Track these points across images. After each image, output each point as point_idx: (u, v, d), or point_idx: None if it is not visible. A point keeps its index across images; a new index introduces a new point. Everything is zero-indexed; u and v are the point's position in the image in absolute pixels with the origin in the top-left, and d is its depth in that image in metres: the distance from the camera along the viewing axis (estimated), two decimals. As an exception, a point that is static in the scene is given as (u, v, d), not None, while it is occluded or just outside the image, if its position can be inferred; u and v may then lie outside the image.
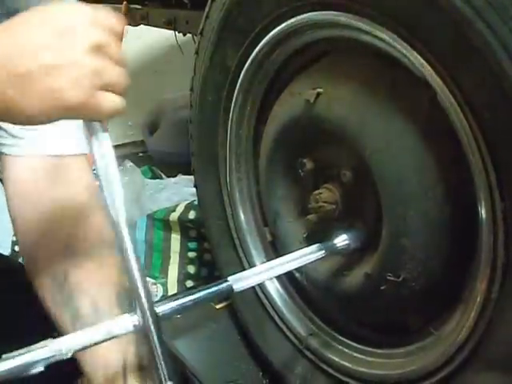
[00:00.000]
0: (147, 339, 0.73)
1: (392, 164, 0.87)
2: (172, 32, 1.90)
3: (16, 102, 0.62)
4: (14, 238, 2.11)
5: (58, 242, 0.86)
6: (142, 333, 0.73)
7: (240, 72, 1.12)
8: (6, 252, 2.04)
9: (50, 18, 0.64)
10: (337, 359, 1.08)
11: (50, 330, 0.86)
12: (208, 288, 0.83)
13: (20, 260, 1.98)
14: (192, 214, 1.62)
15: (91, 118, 0.69)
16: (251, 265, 1.22)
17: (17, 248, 2.08)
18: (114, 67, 0.65)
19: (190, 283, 1.63)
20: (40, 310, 0.87)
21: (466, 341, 0.84)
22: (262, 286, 1.21)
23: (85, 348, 0.71)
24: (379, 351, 1.03)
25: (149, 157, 2.54)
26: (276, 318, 1.19)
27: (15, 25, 0.63)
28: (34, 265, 0.87)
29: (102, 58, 0.64)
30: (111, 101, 0.65)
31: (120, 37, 0.68)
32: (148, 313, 0.71)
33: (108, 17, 0.67)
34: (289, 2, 0.96)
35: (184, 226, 1.65)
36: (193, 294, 0.81)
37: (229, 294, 0.94)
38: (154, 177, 2.22)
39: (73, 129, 0.89)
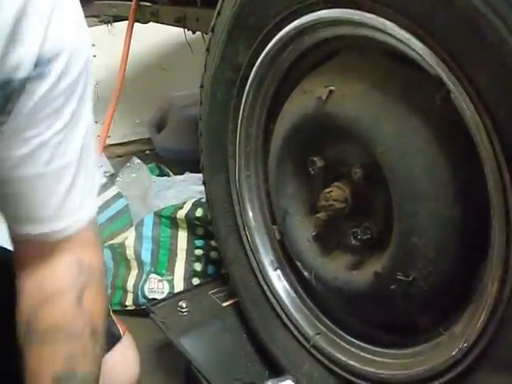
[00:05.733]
0: None
1: (403, 162, 0.87)
2: (180, 29, 1.90)
3: None
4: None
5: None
6: None
7: (251, 69, 1.11)
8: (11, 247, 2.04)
9: None
10: (344, 359, 1.08)
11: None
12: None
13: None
14: (199, 212, 1.62)
15: None
16: (259, 263, 1.21)
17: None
18: None
19: (196, 281, 1.63)
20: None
21: (476, 342, 0.83)
22: (269, 284, 1.20)
23: None
24: (387, 351, 1.03)
25: (156, 154, 2.54)
26: (283, 316, 1.18)
27: None
28: None
29: None
30: None
31: None
32: None
33: None
34: (301, 0, 0.96)
35: (191, 223, 1.65)
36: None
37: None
38: (162, 174, 2.22)
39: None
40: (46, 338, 0.76)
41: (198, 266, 1.64)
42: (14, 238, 0.79)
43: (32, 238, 0.77)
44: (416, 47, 0.81)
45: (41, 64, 0.67)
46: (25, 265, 0.78)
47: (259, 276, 1.22)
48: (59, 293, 0.78)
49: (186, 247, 1.67)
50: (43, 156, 0.73)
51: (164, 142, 2.51)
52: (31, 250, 0.78)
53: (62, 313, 0.77)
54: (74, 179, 0.77)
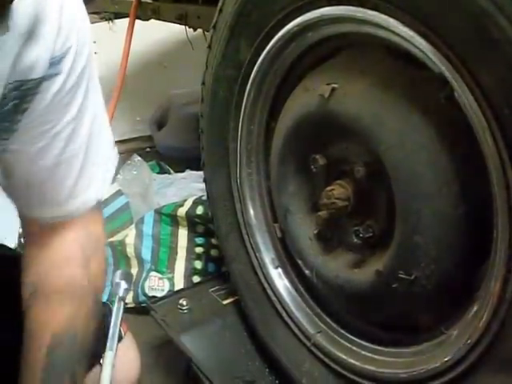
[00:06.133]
0: None
1: (406, 160, 0.87)
2: (182, 27, 1.90)
3: None
4: (21, 230, 2.11)
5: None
6: None
7: (253, 67, 1.11)
8: (13, 244, 2.04)
9: None
10: (345, 357, 1.07)
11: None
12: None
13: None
14: (200, 210, 1.62)
15: None
16: (260, 261, 1.21)
17: (23, 240, 2.08)
18: None
19: (196, 278, 1.62)
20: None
21: (478, 341, 0.83)
22: (270, 282, 1.20)
23: None
24: (388, 350, 1.02)
25: (157, 152, 2.54)
26: (284, 314, 1.18)
27: None
28: None
29: None
30: None
31: None
32: None
33: None
34: (304, -3, 0.95)
35: (192, 221, 1.64)
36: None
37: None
38: (162, 172, 2.21)
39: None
40: (51, 299, 0.79)
41: (198, 264, 1.64)
42: (24, 218, 0.84)
43: (43, 219, 0.81)
44: (420, 45, 0.80)
45: (54, 63, 0.70)
46: (35, 238, 0.82)
47: (260, 274, 1.21)
48: (69, 257, 0.82)
49: (186, 245, 1.66)
50: (56, 147, 0.77)
51: (165, 139, 2.50)
52: (42, 227, 0.81)
53: (71, 276, 0.81)
54: (84, 165, 0.81)
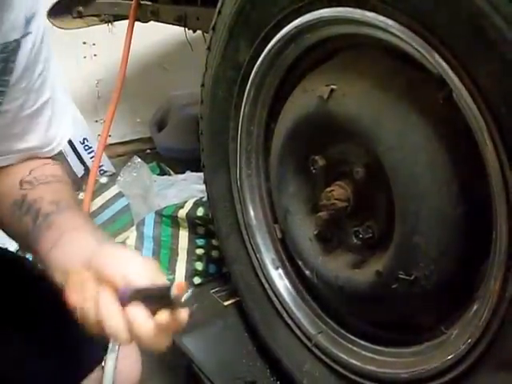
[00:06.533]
0: None
1: (405, 161, 0.87)
2: (181, 28, 1.90)
3: None
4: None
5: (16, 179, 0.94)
6: None
7: (252, 68, 1.11)
8: (13, 248, 2.04)
9: None
10: (346, 357, 1.08)
11: (56, 321, 0.87)
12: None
13: (27, 255, 1.99)
14: (200, 211, 1.62)
15: None
16: (260, 262, 1.21)
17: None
18: None
19: (197, 280, 1.62)
20: (46, 302, 0.88)
21: (478, 341, 0.83)
22: (270, 282, 1.20)
23: None
24: (389, 350, 1.03)
25: (157, 153, 2.54)
26: (285, 315, 1.18)
27: None
28: None
29: None
30: None
31: None
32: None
33: None
34: (303, -2, 0.95)
35: (192, 222, 1.64)
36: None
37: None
38: (163, 173, 2.22)
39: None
40: (37, 184, 0.91)
41: (199, 265, 1.64)
42: None
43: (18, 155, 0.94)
44: (418, 46, 0.80)
45: (27, 22, 0.82)
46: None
47: (260, 275, 1.22)
48: (47, 162, 0.96)
49: (187, 246, 1.66)
50: (31, 98, 0.89)
51: (165, 141, 2.51)
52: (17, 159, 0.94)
53: (53, 170, 0.95)
54: (52, 112, 0.94)
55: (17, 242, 1.02)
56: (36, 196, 0.90)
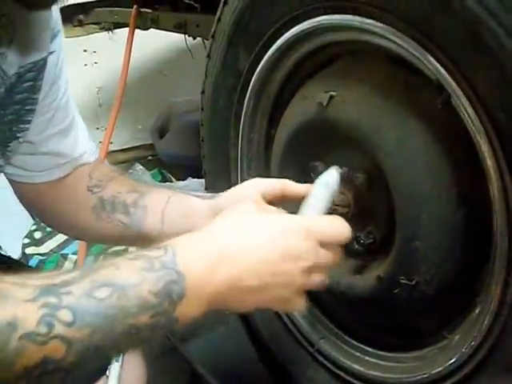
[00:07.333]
0: None
1: (405, 166, 0.87)
2: (181, 36, 1.90)
3: (231, 307, 0.70)
4: (25, 241, 2.12)
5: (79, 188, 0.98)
6: None
7: (252, 75, 1.12)
8: (16, 255, 2.05)
9: (280, 243, 0.71)
10: (348, 363, 1.08)
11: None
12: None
13: (30, 263, 2.00)
14: (202, 217, 1.62)
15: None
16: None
17: (27, 251, 2.09)
18: (319, 280, 0.76)
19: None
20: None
21: (480, 345, 0.83)
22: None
23: None
24: (391, 355, 1.03)
25: (158, 160, 2.55)
26: (287, 321, 1.18)
27: (248, 244, 0.70)
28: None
29: (313, 276, 0.74)
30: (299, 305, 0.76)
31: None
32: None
33: (329, 231, 0.76)
34: (302, 6, 0.96)
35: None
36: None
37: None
38: (164, 180, 2.23)
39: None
40: (105, 184, 0.96)
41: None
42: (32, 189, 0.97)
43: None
44: (416, 52, 0.81)
45: (51, 41, 0.86)
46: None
47: (262, 281, 1.21)
48: (97, 164, 1.01)
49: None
50: (59, 116, 0.93)
51: (166, 147, 2.51)
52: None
53: (107, 168, 1.01)
54: (76, 131, 0.98)
55: (105, 242, 1.11)
56: (112, 193, 0.94)
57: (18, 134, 0.86)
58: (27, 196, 0.99)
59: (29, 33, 0.80)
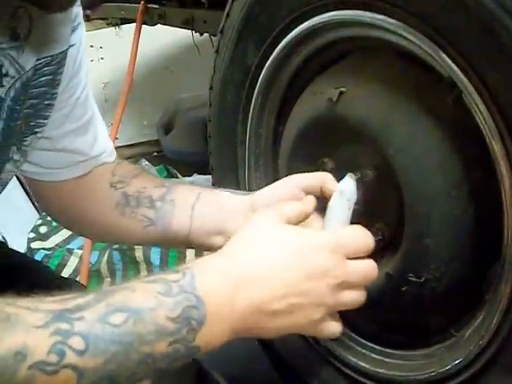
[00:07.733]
0: None
1: (415, 163, 0.87)
2: (188, 32, 1.90)
3: (257, 333, 0.69)
4: (31, 235, 2.13)
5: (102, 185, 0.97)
6: None
7: (260, 71, 1.11)
8: (21, 250, 2.05)
9: (304, 261, 0.68)
10: (355, 360, 1.07)
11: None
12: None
13: (35, 257, 2.00)
14: (208, 214, 1.62)
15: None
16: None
17: (32, 246, 2.10)
18: (353, 297, 0.74)
19: (205, 282, 1.62)
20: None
21: (489, 343, 0.83)
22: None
23: None
24: (398, 353, 1.02)
25: (164, 156, 2.55)
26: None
27: (270, 264, 0.67)
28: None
29: (345, 293, 0.72)
30: (333, 328, 0.75)
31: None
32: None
33: (353, 242, 0.74)
34: (311, 1, 0.95)
35: (200, 225, 1.64)
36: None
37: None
38: (170, 176, 2.23)
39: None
40: (129, 180, 0.94)
41: (207, 268, 1.64)
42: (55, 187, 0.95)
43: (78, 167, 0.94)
44: (427, 48, 0.80)
45: (72, 32, 0.83)
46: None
47: (269, 278, 1.21)
48: (118, 162, 0.99)
49: (195, 249, 1.66)
50: (77, 112, 0.90)
51: (172, 143, 2.51)
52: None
53: (129, 166, 0.99)
54: (95, 129, 0.95)
55: (128, 242, 1.05)
56: (137, 188, 0.91)
57: (36, 129, 0.83)
58: (46, 195, 0.97)
59: (48, 24, 0.77)
